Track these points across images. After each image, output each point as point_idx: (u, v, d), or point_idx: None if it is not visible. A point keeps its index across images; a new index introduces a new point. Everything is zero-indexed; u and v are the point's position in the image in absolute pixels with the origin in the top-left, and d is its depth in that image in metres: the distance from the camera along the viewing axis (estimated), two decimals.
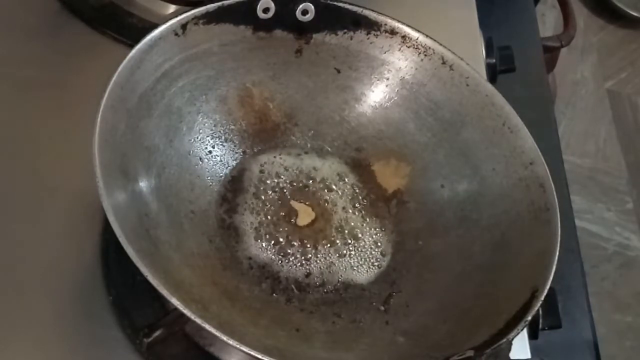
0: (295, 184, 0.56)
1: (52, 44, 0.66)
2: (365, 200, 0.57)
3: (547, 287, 0.47)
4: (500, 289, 0.50)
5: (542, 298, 0.46)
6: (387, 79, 0.58)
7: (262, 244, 0.53)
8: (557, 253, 0.48)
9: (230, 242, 0.52)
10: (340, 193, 0.57)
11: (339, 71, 0.58)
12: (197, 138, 0.55)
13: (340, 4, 0.56)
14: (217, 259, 0.51)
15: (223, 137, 0.56)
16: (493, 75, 0.73)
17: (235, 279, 0.51)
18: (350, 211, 0.56)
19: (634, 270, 1.52)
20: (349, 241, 0.55)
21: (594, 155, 1.66)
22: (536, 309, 0.46)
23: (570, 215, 0.75)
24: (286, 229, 0.54)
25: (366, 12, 0.56)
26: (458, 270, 0.53)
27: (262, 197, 0.55)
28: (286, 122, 0.58)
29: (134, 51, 0.48)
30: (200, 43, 0.53)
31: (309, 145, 0.58)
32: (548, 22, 1.71)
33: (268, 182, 0.56)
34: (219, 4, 0.52)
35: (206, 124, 0.55)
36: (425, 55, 0.57)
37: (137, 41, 0.49)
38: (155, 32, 0.50)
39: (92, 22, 0.67)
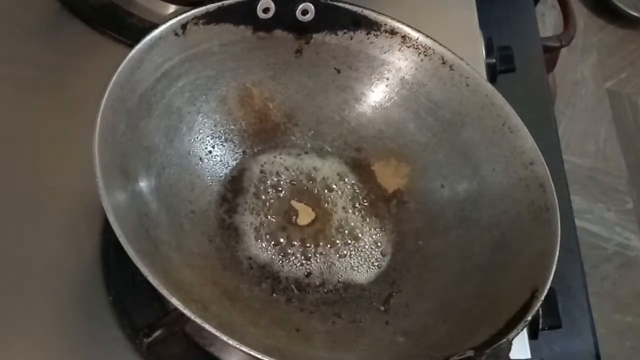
0: (295, 184, 0.56)
1: (52, 44, 0.66)
2: (365, 200, 0.57)
3: (547, 287, 0.47)
4: (500, 289, 0.50)
5: (542, 298, 0.46)
6: (387, 79, 0.58)
7: (262, 244, 0.53)
8: (557, 253, 0.48)
9: (230, 242, 0.52)
10: (340, 193, 0.57)
11: (339, 71, 0.58)
12: (197, 138, 0.55)
13: (340, 4, 0.56)
14: (217, 259, 0.51)
15: (223, 137, 0.56)
16: (493, 75, 0.73)
17: (235, 279, 0.51)
18: (350, 211, 0.56)
19: (634, 270, 1.52)
20: (349, 241, 0.55)
21: (594, 155, 1.66)
22: (536, 309, 0.46)
23: (570, 215, 0.75)
24: (286, 229, 0.54)
25: (366, 12, 0.56)
26: (458, 270, 0.53)
27: (262, 197, 0.55)
28: (286, 122, 0.58)
29: (134, 51, 0.48)
30: (200, 43, 0.53)
31: (309, 145, 0.58)
32: (548, 22, 1.71)
33: (268, 182, 0.56)
34: (219, 4, 0.52)
35: (206, 124, 0.55)
36: (425, 55, 0.57)
37: (137, 41, 0.49)
38: (155, 32, 0.50)
39: (92, 22, 0.67)
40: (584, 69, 1.79)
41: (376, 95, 0.58)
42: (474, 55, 0.70)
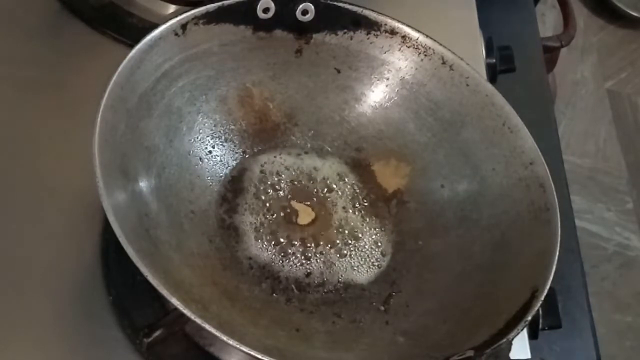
0: (295, 184, 0.56)
1: (52, 44, 0.66)
2: (365, 200, 0.57)
3: (547, 287, 0.47)
4: (500, 289, 0.50)
5: (542, 298, 0.46)
6: (387, 79, 0.58)
7: (262, 244, 0.53)
8: (557, 253, 0.48)
9: (230, 242, 0.52)
10: (340, 193, 0.57)
11: (339, 71, 0.58)
12: (197, 138, 0.55)
13: (340, 4, 0.56)
14: (217, 259, 0.51)
15: (223, 137, 0.56)
16: (493, 75, 0.73)
17: (235, 279, 0.51)
18: (351, 211, 0.56)
19: (634, 270, 1.52)
20: (349, 241, 0.54)
21: (594, 155, 1.66)
22: (536, 309, 0.46)
23: (570, 215, 0.75)
24: (286, 229, 0.54)
25: (366, 12, 0.56)
26: (458, 270, 0.53)
27: (262, 197, 0.55)
28: (286, 122, 0.58)
29: (134, 51, 0.48)
30: (200, 43, 0.53)
31: (309, 145, 0.58)
32: (548, 22, 1.71)
33: (268, 182, 0.56)
34: (219, 4, 0.52)
35: (206, 124, 0.55)
36: (425, 55, 0.57)
37: (137, 41, 0.49)
38: (155, 32, 0.50)
39: (92, 22, 0.67)
40: (584, 69, 1.79)
41: (376, 95, 0.58)
42: (474, 55, 0.70)
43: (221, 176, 0.55)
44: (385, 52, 0.57)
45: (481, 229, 0.54)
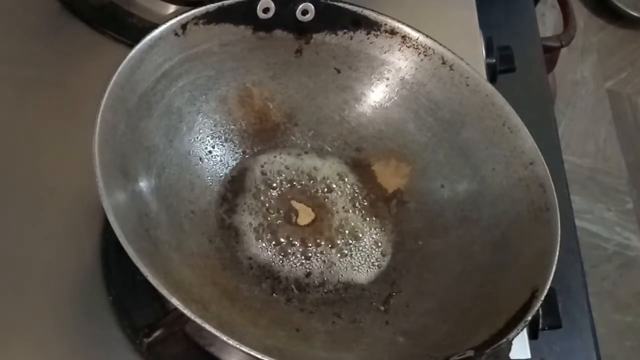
0: (295, 184, 0.56)
1: (52, 44, 0.66)
2: (365, 200, 0.57)
3: (547, 287, 0.47)
4: (500, 289, 0.50)
5: (542, 298, 0.46)
6: (387, 79, 0.58)
7: (262, 244, 0.53)
8: (557, 253, 0.48)
9: (230, 242, 0.52)
10: (340, 193, 0.57)
11: (339, 71, 0.58)
12: (197, 138, 0.55)
13: (340, 4, 0.56)
14: (217, 259, 0.51)
15: (223, 137, 0.56)
16: (493, 75, 0.73)
17: (235, 279, 0.51)
18: (351, 211, 0.56)
19: (634, 270, 1.52)
20: (349, 241, 0.54)
21: (594, 155, 1.66)
22: (536, 309, 0.46)
23: (570, 215, 0.75)
24: (286, 228, 0.54)
25: (366, 12, 0.56)
26: (458, 270, 0.53)
27: (262, 197, 0.55)
28: (286, 122, 0.58)
29: (134, 51, 0.48)
30: (200, 43, 0.53)
31: (309, 145, 0.58)
32: (548, 22, 1.71)
33: (268, 182, 0.56)
34: (219, 4, 0.52)
35: (206, 124, 0.55)
36: (425, 55, 0.57)
37: (137, 41, 0.49)
38: (155, 32, 0.50)
39: (92, 22, 0.67)
40: (584, 69, 1.79)
41: (376, 95, 0.58)
42: (474, 55, 0.70)
43: (221, 176, 0.55)
44: (385, 52, 0.57)
45: (481, 229, 0.54)
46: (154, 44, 0.50)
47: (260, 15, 0.54)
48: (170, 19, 0.51)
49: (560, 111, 1.68)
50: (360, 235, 0.55)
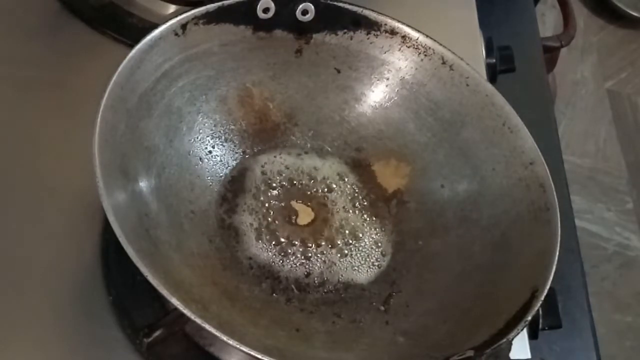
0: (295, 183, 0.56)
1: (52, 44, 0.66)
2: (365, 200, 0.57)
3: (547, 287, 0.47)
4: (500, 289, 0.50)
5: (542, 298, 0.46)
6: (387, 79, 0.58)
7: (262, 244, 0.53)
8: (557, 253, 0.48)
9: (230, 242, 0.52)
10: (340, 193, 0.57)
11: (339, 71, 0.58)
12: (197, 138, 0.55)
13: (340, 4, 0.56)
14: (217, 259, 0.51)
15: (223, 137, 0.56)
16: (493, 75, 0.73)
17: (235, 279, 0.51)
18: (351, 211, 0.56)
19: (634, 270, 1.52)
20: (349, 241, 0.54)
21: (594, 155, 1.66)
22: (536, 309, 0.46)
23: (570, 215, 0.75)
24: (286, 228, 0.54)
25: (366, 12, 0.56)
26: (458, 270, 0.53)
27: (262, 197, 0.55)
28: (286, 122, 0.58)
29: (134, 51, 0.48)
30: (200, 43, 0.53)
31: (309, 145, 0.58)
32: (548, 22, 1.71)
33: (268, 182, 0.56)
34: (219, 4, 0.52)
35: (206, 124, 0.55)
36: (425, 55, 0.57)
37: (137, 41, 0.49)
38: (155, 32, 0.50)
39: (92, 22, 0.67)
40: (584, 69, 1.79)
41: (376, 95, 0.58)
42: (474, 55, 0.70)
43: (221, 176, 0.55)
44: (385, 52, 0.57)
45: (481, 229, 0.54)
46: (154, 44, 0.50)
47: (260, 15, 0.54)
48: (170, 19, 0.51)
49: (560, 111, 1.68)
50: (360, 235, 0.55)
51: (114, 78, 0.47)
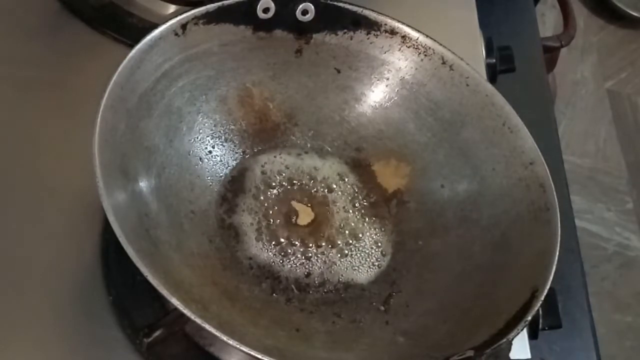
0: (295, 183, 0.56)
1: (52, 44, 0.66)
2: (365, 200, 0.57)
3: (547, 287, 0.47)
4: (500, 289, 0.50)
5: (542, 298, 0.46)
6: (387, 79, 0.58)
7: (262, 244, 0.53)
8: (557, 253, 0.48)
9: (230, 242, 0.52)
10: (340, 193, 0.57)
11: (339, 71, 0.58)
12: (197, 138, 0.55)
13: (340, 4, 0.56)
14: (217, 259, 0.51)
15: (223, 137, 0.56)
16: (493, 75, 0.73)
17: (235, 279, 0.51)
18: (351, 211, 0.56)
19: (634, 270, 1.52)
20: (350, 241, 0.54)
21: (594, 155, 1.66)
22: (536, 309, 0.46)
23: (570, 215, 0.75)
24: (286, 229, 0.54)
25: (366, 12, 0.56)
26: (458, 270, 0.53)
27: (262, 197, 0.55)
28: (286, 122, 0.58)
29: (134, 51, 0.48)
30: (200, 43, 0.53)
31: (309, 145, 0.58)
32: (548, 22, 1.71)
33: (268, 182, 0.56)
34: (219, 4, 0.52)
35: (206, 124, 0.55)
36: (425, 55, 0.57)
37: (137, 41, 0.49)
38: (155, 32, 0.50)
39: (92, 22, 0.67)
40: (584, 69, 1.79)
41: (376, 95, 0.58)
42: (474, 55, 0.70)
43: (221, 176, 0.55)
44: (385, 52, 0.57)
45: (481, 229, 0.54)
46: (154, 44, 0.50)
47: (260, 15, 0.54)
48: (170, 19, 0.51)
49: (560, 111, 1.68)
50: (360, 235, 0.55)
51: (114, 78, 0.47)
